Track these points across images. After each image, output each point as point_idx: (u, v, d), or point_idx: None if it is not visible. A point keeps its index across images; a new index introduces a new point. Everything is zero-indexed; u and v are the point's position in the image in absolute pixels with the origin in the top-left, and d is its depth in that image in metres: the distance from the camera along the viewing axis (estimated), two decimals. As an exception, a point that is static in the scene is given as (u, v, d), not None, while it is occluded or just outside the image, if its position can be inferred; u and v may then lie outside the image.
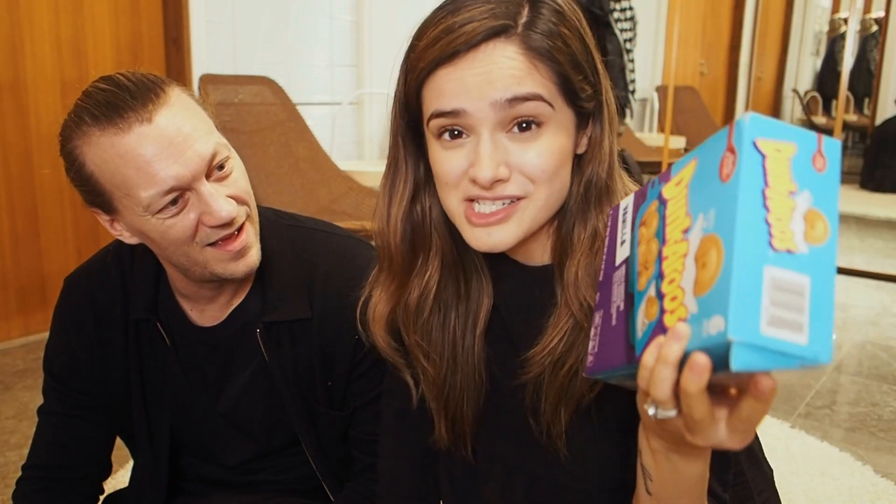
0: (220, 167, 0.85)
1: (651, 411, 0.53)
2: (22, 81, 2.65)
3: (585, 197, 0.72)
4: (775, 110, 7.45)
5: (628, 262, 0.60)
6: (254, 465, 1.06)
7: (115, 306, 0.98)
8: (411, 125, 0.73)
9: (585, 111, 0.70)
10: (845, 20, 7.09)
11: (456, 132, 0.68)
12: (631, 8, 4.69)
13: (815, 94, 7.56)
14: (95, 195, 0.85)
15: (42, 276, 2.80)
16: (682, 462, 0.60)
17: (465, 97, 0.65)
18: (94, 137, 0.81)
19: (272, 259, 0.97)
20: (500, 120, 0.66)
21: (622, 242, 0.63)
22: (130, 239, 0.90)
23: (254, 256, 0.90)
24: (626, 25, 4.67)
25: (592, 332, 0.64)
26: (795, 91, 7.48)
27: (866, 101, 6.77)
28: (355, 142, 3.88)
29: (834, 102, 6.37)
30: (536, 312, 0.75)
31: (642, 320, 0.55)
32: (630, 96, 4.73)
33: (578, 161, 0.73)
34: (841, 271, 3.84)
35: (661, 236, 0.55)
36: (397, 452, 0.90)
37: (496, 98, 0.64)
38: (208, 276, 0.89)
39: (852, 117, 6.93)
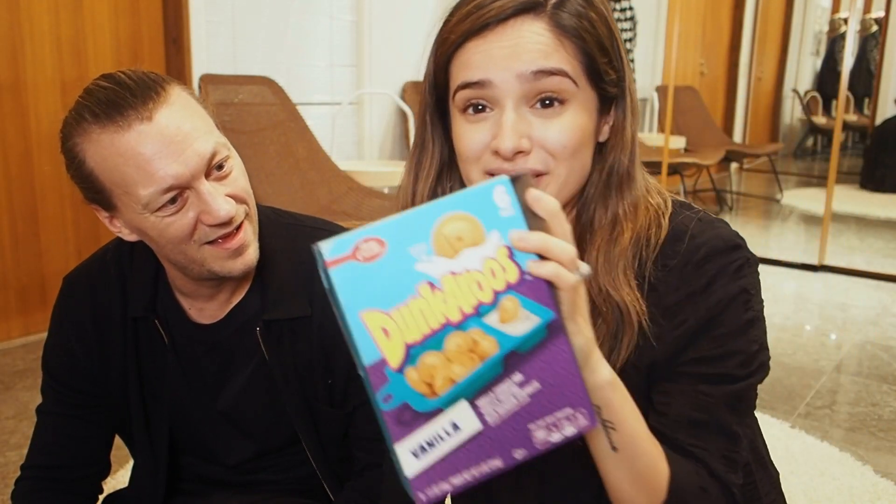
0: (220, 166, 0.85)
1: (585, 268, 0.56)
2: (22, 81, 2.65)
3: (608, 183, 0.73)
4: (775, 110, 7.45)
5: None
6: (253, 464, 1.06)
7: (114, 305, 0.98)
8: (439, 105, 0.75)
9: (609, 95, 0.71)
10: (845, 20, 7.09)
11: (480, 106, 0.69)
12: (631, 8, 4.69)
13: (815, 94, 7.56)
14: (95, 192, 0.85)
15: (42, 276, 2.81)
16: (608, 366, 0.62)
17: (491, 68, 0.66)
18: (94, 135, 0.81)
19: (272, 257, 0.97)
20: (525, 93, 0.67)
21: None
22: (129, 236, 0.90)
23: (251, 255, 0.90)
24: (627, 25, 4.67)
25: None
26: (795, 91, 7.48)
27: (866, 101, 6.77)
28: (355, 142, 3.88)
29: (834, 102, 6.37)
30: None
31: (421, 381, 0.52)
32: (630, 96, 4.72)
33: (600, 149, 0.74)
34: (841, 271, 3.85)
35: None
36: None
37: (522, 70, 0.66)
38: (206, 274, 0.89)
39: (852, 117, 6.93)
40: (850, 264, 3.91)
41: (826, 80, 7.60)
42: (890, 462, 1.94)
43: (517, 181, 0.53)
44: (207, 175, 0.84)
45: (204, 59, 3.02)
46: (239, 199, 0.87)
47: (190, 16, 2.99)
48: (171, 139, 0.80)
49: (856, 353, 2.73)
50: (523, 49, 0.66)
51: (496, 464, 0.54)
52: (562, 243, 0.54)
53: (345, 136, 3.78)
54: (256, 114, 3.03)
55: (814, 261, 3.90)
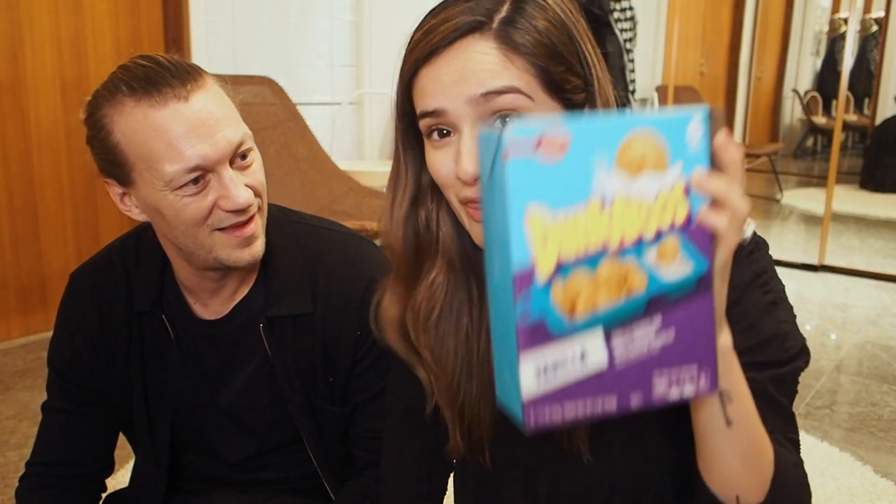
0: (244, 156, 0.88)
1: (750, 229, 0.54)
2: (22, 81, 2.65)
3: None
4: (775, 110, 7.45)
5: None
6: (255, 462, 1.06)
7: (120, 300, 0.99)
8: (410, 129, 0.73)
9: (574, 103, 0.69)
10: (845, 20, 7.09)
11: (444, 131, 0.68)
12: (631, 8, 4.69)
13: (815, 94, 7.56)
14: (115, 165, 0.86)
15: (42, 276, 2.81)
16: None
17: (442, 95, 0.65)
18: (127, 108, 0.83)
19: (276, 254, 0.98)
20: (480, 115, 0.66)
21: None
22: (139, 215, 0.90)
23: (259, 247, 0.91)
24: (627, 25, 4.67)
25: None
26: (795, 91, 7.48)
27: (866, 101, 6.78)
28: (355, 142, 3.88)
29: (834, 102, 6.37)
30: None
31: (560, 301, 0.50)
32: (630, 96, 4.73)
33: None
34: (841, 271, 3.85)
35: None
36: (402, 452, 0.90)
37: (471, 94, 0.64)
38: (212, 262, 0.89)
39: (852, 117, 6.93)
40: (850, 264, 3.91)
41: (826, 80, 7.61)
42: (890, 462, 1.94)
43: (710, 117, 0.50)
44: (231, 163, 0.86)
45: (204, 59, 3.02)
46: (255, 191, 0.89)
47: (190, 16, 2.99)
48: (203, 121, 0.82)
49: (856, 353, 2.73)
50: (470, 72, 0.64)
51: (611, 404, 0.52)
52: (741, 196, 0.51)
53: (345, 136, 3.78)
54: (256, 114, 3.03)
55: (814, 261, 3.91)
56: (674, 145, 0.49)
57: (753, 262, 0.70)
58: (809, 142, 7.96)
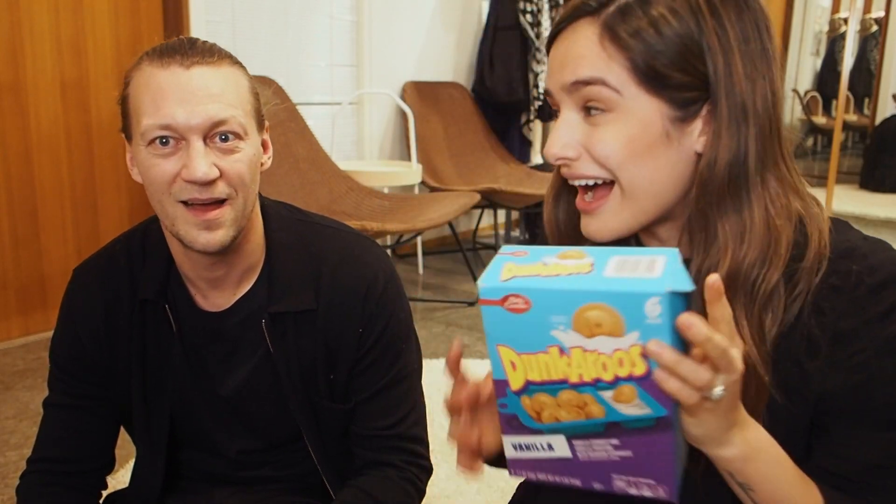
0: (225, 138, 0.87)
1: (718, 392, 0.53)
2: (22, 81, 2.65)
3: (703, 195, 0.66)
4: (775, 110, 7.44)
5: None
6: (255, 458, 1.06)
7: (123, 291, 1.00)
8: None
9: (686, 100, 0.65)
10: (845, 20, 7.09)
11: (556, 113, 0.70)
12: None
13: (815, 94, 7.56)
14: (125, 118, 0.91)
15: (42, 276, 2.81)
16: (752, 434, 0.60)
17: (550, 77, 0.68)
18: (142, 66, 0.88)
19: (280, 250, 0.98)
20: (575, 101, 0.67)
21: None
22: (137, 176, 0.93)
23: (220, 237, 0.89)
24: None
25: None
26: (795, 91, 7.48)
27: (866, 100, 6.77)
28: (355, 142, 3.88)
29: (834, 102, 6.37)
30: None
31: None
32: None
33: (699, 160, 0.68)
34: (841, 271, 3.84)
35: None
36: None
37: (564, 81, 0.66)
38: (177, 235, 0.90)
39: (852, 117, 6.93)
40: (850, 264, 3.90)
41: (826, 80, 7.60)
42: None
43: (687, 295, 0.52)
44: (210, 139, 0.87)
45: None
46: (229, 181, 0.88)
47: (190, 16, 2.99)
48: (192, 91, 0.85)
49: (856, 353, 2.73)
50: (570, 57, 0.66)
51: (576, 482, 0.61)
52: (695, 369, 0.51)
53: (345, 136, 3.78)
54: (256, 114, 3.03)
55: (814, 261, 3.89)
56: (630, 318, 0.51)
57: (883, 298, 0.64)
58: (809, 142, 7.97)
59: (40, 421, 1.06)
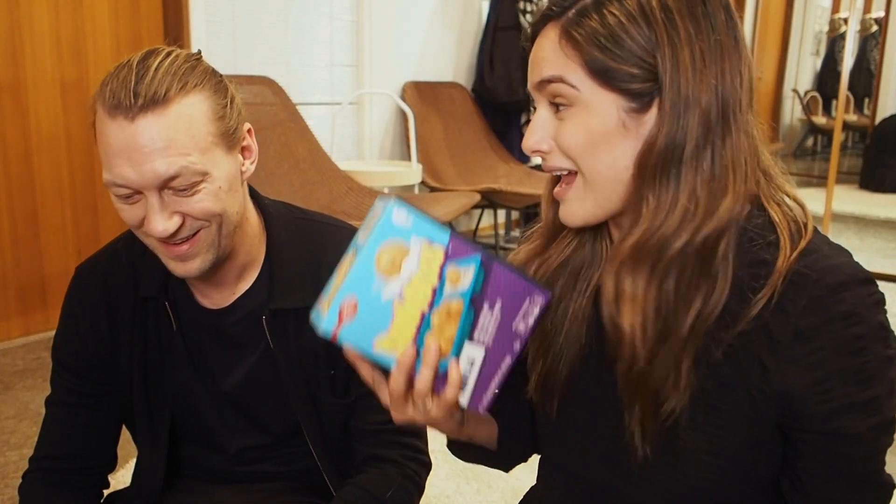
0: (183, 189, 0.86)
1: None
2: (22, 81, 2.65)
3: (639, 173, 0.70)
4: (775, 110, 7.45)
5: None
6: (255, 454, 1.06)
7: (125, 289, 1.00)
8: None
9: (637, 92, 0.67)
10: (845, 20, 7.10)
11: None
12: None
13: (815, 94, 7.56)
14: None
15: (42, 276, 2.81)
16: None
17: (529, 76, 0.74)
18: (98, 106, 0.86)
19: (281, 248, 1.00)
20: (546, 98, 0.72)
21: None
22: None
23: (196, 265, 0.90)
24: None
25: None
26: (795, 91, 7.48)
27: (866, 101, 6.77)
28: (355, 142, 3.88)
29: (834, 102, 6.37)
30: None
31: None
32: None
33: None
34: (841, 271, 3.84)
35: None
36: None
37: (534, 80, 0.72)
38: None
39: (852, 117, 6.93)
40: (850, 264, 3.90)
41: (826, 80, 7.61)
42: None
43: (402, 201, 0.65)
44: (167, 188, 0.85)
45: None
46: (196, 218, 0.88)
47: (190, 16, 2.99)
48: (137, 147, 0.82)
49: (856, 353, 2.73)
50: (536, 59, 0.72)
51: (507, 360, 0.73)
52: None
53: (345, 136, 3.78)
54: (256, 114, 3.03)
55: (814, 261, 3.90)
56: (399, 235, 0.65)
57: (879, 312, 0.68)
58: (809, 142, 7.97)
59: (43, 419, 1.06)
